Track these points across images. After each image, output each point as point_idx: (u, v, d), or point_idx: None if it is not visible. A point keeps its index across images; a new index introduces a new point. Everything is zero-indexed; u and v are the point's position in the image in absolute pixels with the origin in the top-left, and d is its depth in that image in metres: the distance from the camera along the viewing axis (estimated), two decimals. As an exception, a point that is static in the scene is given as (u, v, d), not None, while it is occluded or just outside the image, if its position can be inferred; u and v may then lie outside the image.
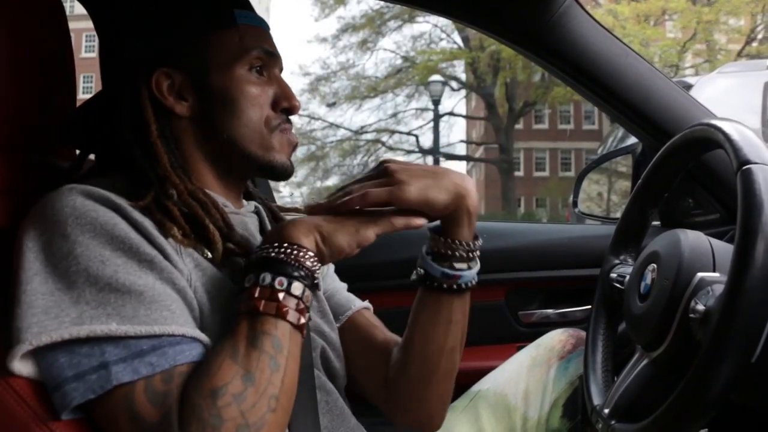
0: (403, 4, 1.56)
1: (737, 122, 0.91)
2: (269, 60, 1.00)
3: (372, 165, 0.89)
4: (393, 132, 21.72)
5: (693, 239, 0.96)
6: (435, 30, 20.51)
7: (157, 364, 0.76)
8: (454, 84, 20.64)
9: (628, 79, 1.43)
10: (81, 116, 1.01)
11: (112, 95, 0.96)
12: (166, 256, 0.83)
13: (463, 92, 22.23)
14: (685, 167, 1.11)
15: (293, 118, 1.03)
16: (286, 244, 0.84)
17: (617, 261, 1.22)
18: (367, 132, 21.77)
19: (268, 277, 0.81)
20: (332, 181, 22.98)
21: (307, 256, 0.84)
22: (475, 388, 1.29)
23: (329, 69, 22.09)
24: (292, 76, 21.96)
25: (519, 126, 23.24)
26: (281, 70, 1.04)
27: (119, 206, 0.83)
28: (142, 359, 0.75)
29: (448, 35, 20.18)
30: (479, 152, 24.93)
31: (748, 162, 0.82)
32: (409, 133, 21.72)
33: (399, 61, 21.46)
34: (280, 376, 0.79)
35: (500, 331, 1.70)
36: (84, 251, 0.78)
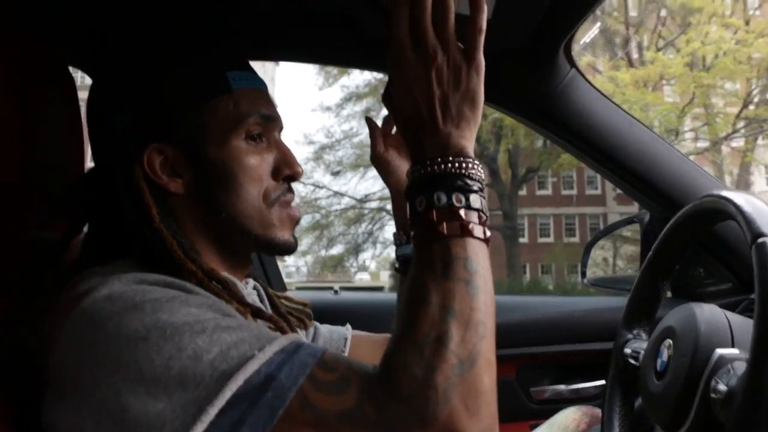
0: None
1: (748, 193, 0.90)
2: (267, 124, 0.94)
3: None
4: (397, 200, 21.76)
5: (708, 313, 0.93)
6: (437, 98, 20.84)
7: (312, 353, 0.70)
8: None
9: (633, 149, 1.44)
10: (77, 192, 0.95)
11: (104, 172, 0.91)
12: None
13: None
14: (695, 238, 1.09)
15: (298, 185, 0.98)
16: (451, 157, 0.75)
17: (630, 335, 1.19)
18: (371, 200, 21.88)
19: (443, 197, 0.74)
20: (337, 249, 22.99)
21: (475, 165, 0.76)
22: (488, 470, 1.24)
23: (333, 137, 22.36)
24: (297, 145, 22.17)
25: (522, 192, 23.34)
26: (281, 130, 0.98)
27: (184, 287, 0.78)
28: (298, 354, 0.69)
29: (450, 104, 20.46)
30: (483, 219, 24.97)
31: (763, 234, 0.80)
32: (413, 201, 21.77)
33: (402, 130, 21.69)
34: (481, 299, 0.71)
35: (512, 409, 1.66)
36: (169, 317, 0.71)
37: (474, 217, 0.74)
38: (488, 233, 0.75)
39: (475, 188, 0.75)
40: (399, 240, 1.25)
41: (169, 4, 1.17)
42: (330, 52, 1.49)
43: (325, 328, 1.26)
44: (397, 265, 1.25)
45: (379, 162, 1.19)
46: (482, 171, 0.77)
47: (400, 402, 0.66)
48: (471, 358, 0.68)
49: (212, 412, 0.65)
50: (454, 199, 0.73)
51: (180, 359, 0.68)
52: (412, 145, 0.79)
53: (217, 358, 0.68)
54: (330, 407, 0.67)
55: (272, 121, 0.95)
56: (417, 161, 0.77)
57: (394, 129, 1.20)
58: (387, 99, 0.81)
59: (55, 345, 0.75)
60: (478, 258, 0.73)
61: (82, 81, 1.39)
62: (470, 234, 0.73)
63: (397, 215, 1.24)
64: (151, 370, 0.68)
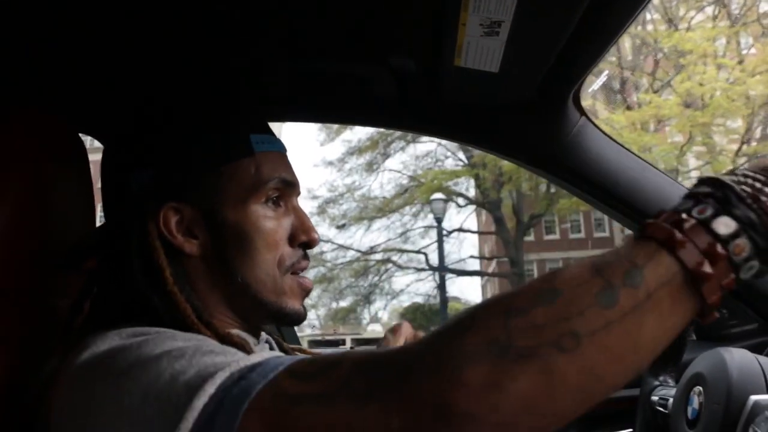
0: (423, 134, 1.60)
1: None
2: (287, 190, 0.94)
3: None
4: (402, 251, 21.78)
5: (739, 359, 0.92)
6: (440, 148, 20.92)
7: (295, 358, 0.64)
8: (461, 200, 20.85)
9: (648, 193, 1.43)
10: (84, 251, 0.94)
11: (117, 231, 0.89)
12: None
13: (472, 208, 22.43)
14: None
15: None
16: (752, 172, 0.59)
17: (657, 382, 1.18)
18: (376, 252, 21.84)
19: (689, 203, 0.59)
20: (346, 301, 22.89)
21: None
22: None
23: (336, 191, 22.34)
24: (301, 200, 22.19)
25: (530, 238, 23.29)
26: (299, 195, 0.98)
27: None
28: (279, 359, 0.64)
29: (453, 153, 20.54)
30: (492, 266, 24.92)
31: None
32: (418, 252, 21.75)
33: (405, 181, 21.79)
34: (607, 315, 0.53)
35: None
36: (152, 350, 0.68)
37: (701, 239, 0.56)
38: (707, 269, 0.55)
39: (740, 213, 0.56)
40: None
41: (186, 67, 1.19)
42: (338, 111, 1.51)
43: None
44: None
45: None
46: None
47: (410, 369, 0.55)
48: (522, 350, 0.52)
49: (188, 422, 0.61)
50: (695, 210, 0.58)
51: (157, 386, 0.64)
52: None
53: (192, 378, 0.63)
54: (307, 390, 0.59)
55: (291, 187, 0.95)
56: None
57: None
58: None
59: (54, 407, 0.74)
60: (654, 279, 0.55)
61: (92, 143, 1.41)
62: (672, 248, 0.55)
63: None
64: (130, 403, 0.64)
